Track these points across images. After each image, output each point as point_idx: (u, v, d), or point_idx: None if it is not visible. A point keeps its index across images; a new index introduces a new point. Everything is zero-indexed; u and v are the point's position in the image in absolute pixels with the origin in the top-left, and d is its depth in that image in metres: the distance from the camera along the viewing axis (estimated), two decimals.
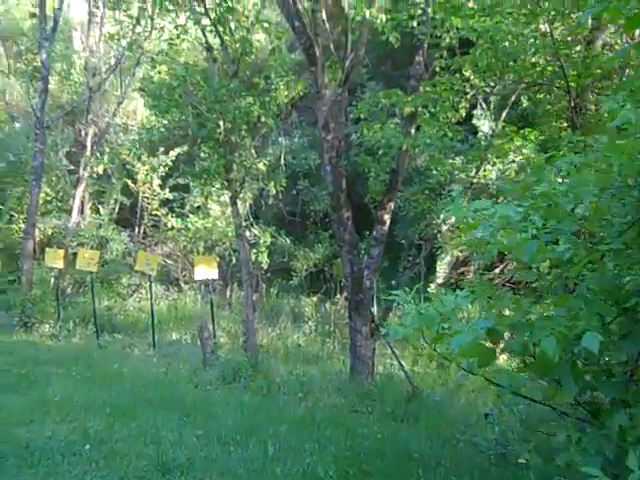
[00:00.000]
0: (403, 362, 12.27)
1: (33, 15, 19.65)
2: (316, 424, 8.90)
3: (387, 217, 11.74)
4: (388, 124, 10.08)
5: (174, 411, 9.24)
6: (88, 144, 21.92)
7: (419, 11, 9.74)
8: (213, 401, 10.16)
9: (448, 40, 10.57)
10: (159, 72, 13.67)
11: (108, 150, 21.89)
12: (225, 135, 12.78)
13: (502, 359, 8.87)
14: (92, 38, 23.66)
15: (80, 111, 22.99)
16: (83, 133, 22.37)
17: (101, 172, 21.05)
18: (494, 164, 14.71)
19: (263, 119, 13.56)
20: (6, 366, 12.22)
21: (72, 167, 22.64)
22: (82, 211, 22.58)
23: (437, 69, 11.68)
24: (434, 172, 16.72)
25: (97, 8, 23.96)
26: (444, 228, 13.43)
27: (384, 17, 8.59)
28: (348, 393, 10.90)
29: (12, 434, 7.81)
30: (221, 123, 12.69)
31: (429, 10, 9.62)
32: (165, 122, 13.71)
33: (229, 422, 8.71)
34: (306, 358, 14.36)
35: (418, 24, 9.43)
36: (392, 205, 11.81)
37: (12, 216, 22.02)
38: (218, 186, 13.64)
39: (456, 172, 15.86)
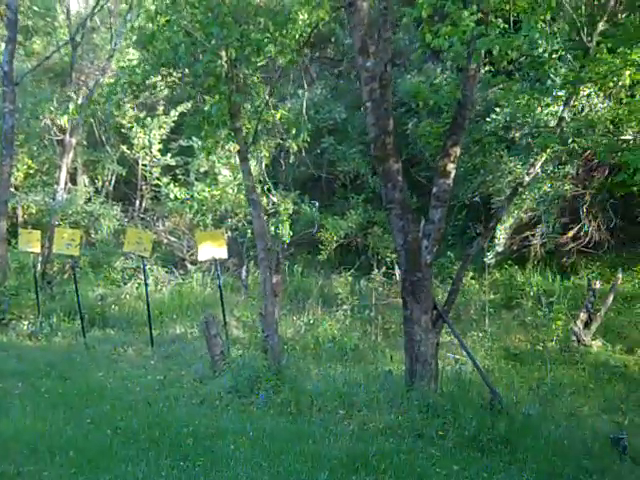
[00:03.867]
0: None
1: None
2: (370, 466, 6.19)
3: (452, 167, 8.59)
4: (465, 19, 6.70)
5: (166, 451, 6.52)
6: (74, 105, 18.79)
7: None
8: (221, 429, 7.32)
9: None
10: None
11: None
12: (228, 69, 9.67)
13: None
14: None
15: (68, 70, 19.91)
16: (71, 94, 19.16)
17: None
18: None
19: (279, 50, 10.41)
20: None
21: (61, 136, 19.59)
22: (75, 184, 19.66)
23: None
24: (494, 117, 13.64)
25: None
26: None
27: None
28: (406, 407, 7.90)
29: None
30: (223, 53, 9.60)
31: None
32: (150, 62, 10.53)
33: (244, 470, 6.05)
34: (343, 355, 11.35)
35: None
36: (457, 151, 8.67)
37: None
38: (223, 136, 10.55)
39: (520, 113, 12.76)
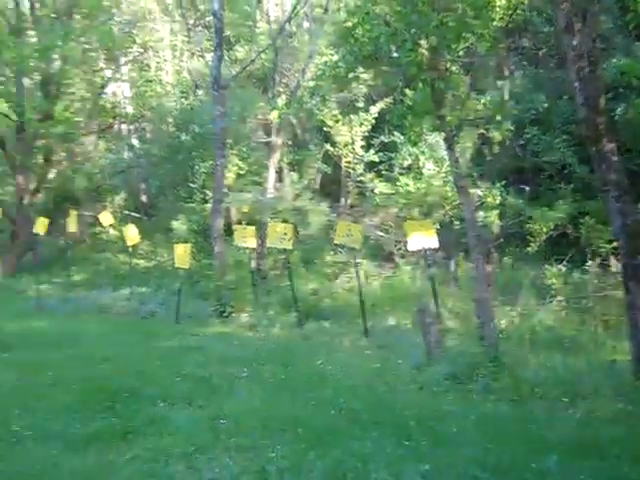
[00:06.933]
0: None
1: None
2: (601, 452, 5.93)
3: None
4: None
5: (389, 431, 6.64)
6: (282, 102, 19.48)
7: None
8: (442, 412, 7.37)
9: None
10: None
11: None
12: (430, 56, 9.67)
13: None
14: None
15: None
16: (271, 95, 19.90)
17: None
18: None
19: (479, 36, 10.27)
20: (189, 368, 10.03)
21: (267, 138, 20.40)
22: (281, 181, 20.50)
23: None
24: None
25: None
26: None
27: None
28: (634, 395, 7.56)
29: (165, 474, 5.64)
30: (423, 42, 9.63)
31: None
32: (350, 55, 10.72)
33: (468, 451, 6.01)
34: (561, 344, 11.02)
35: None
36: None
37: (205, 194, 20.13)
38: (427, 126, 10.58)
39: None
